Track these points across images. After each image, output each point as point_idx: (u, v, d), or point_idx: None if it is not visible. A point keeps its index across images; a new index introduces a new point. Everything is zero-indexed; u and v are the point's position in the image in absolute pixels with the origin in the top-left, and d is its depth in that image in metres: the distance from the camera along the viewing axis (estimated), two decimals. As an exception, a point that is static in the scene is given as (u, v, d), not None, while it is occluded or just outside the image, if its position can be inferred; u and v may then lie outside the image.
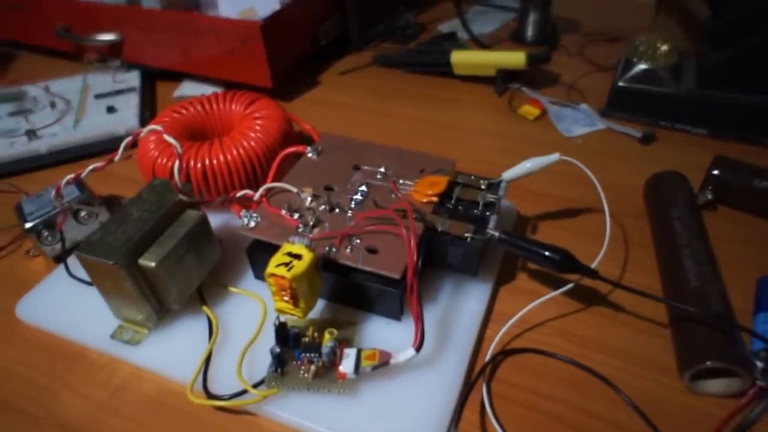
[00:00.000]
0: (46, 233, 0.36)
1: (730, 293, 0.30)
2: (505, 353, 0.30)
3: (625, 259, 0.35)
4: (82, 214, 0.37)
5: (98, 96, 0.55)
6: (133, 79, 0.57)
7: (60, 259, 0.37)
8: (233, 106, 0.42)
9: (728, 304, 0.29)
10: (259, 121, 0.39)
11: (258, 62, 0.50)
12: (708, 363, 0.25)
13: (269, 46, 0.50)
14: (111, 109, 0.52)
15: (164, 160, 0.37)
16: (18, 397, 0.30)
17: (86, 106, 0.53)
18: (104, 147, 0.49)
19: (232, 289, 0.33)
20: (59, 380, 0.30)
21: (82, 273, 0.34)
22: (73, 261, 0.36)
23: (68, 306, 0.33)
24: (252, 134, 0.38)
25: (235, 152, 0.37)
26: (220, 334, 0.31)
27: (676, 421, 0.26)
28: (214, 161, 0.36)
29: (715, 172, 0.37)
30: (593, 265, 0.30)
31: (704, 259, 0.31)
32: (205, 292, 0.33)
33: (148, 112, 0.54)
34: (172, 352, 0.30)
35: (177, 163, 0.29)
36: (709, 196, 0.37)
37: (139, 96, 0.54)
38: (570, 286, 0.31)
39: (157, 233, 0.30)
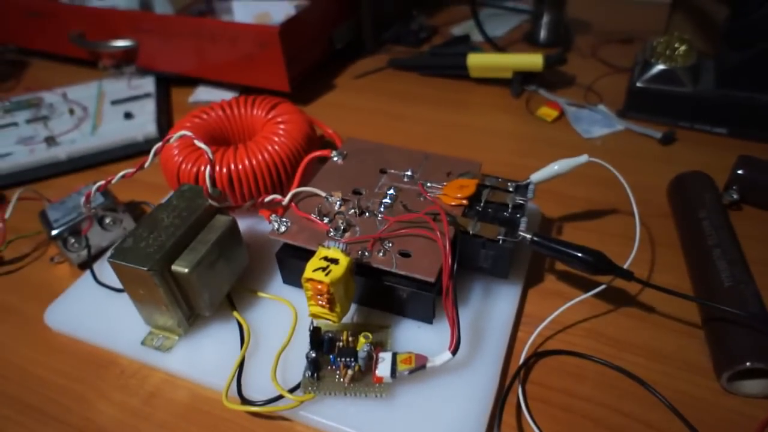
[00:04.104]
0: (72, 240, 0.36)
1: (762, 293, 0.30)
2: (537, 355, 0.30)
3: (653, 260, 0.35)
4: (107, 220, 0.37)
5: (114, 102, 0.55)
6: (148, 84, 0.57)
7: (85, 265, 0.37)
8: (255, 111, 0.42)
9: (763, 304, 0.29)
10: (282, 126, 0.39)
11: (276, 67, 0.51)
12: (748, 364, 0.25)
13: (287, 51, 0.50)
14: (128, 115, 0.52)
15: (188, 166, 0.37)
16: (53, 405, 0.29)
17: (103, 112, 0.53)
18: (123, 153, 0.49)
19: (261, 294, 0.33)
20: (92, 388, 0.30)
21: (108, 279, 0.34)
22: (99, 267, 0.36)
23: (97, 313, 0.33)
24: (276, 138, 0.38)
25: (260, 157, 0.37)
26: (251, 339, 0.31)
27: (716, 423, 0.26)
28: (240, 166, 0.36)
29: (740, 171, 0.37)
30: (625, 267, 0.30)
31: (736, 259, 0.31)
32: (235, 298, 0.33)
33: (164, 117, 0.54)
34: (203, 358, 0.30)
35: (208, 168, 0.29)
36: (735, 196, 0.37)
37: (155, 102, 0.54)
38: (602, 287, 0.31)
39: (188, 239, 0.30)
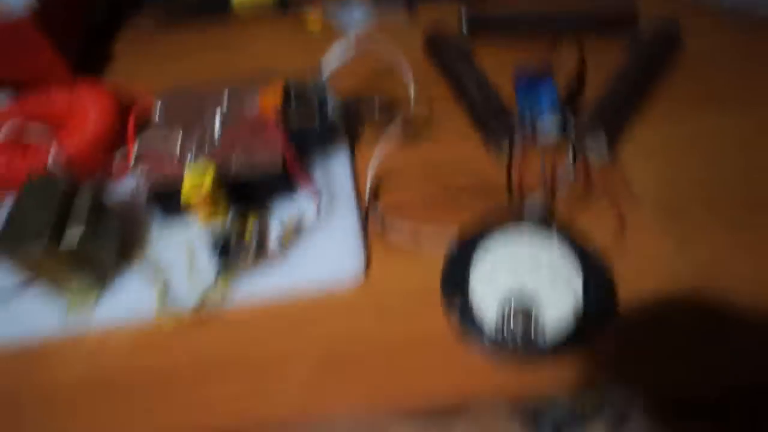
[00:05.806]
0: None
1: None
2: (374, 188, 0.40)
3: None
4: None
5: None
6: None
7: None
8: (55, 106, 0.43)
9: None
10: (89, 108, 0.42)
11: (42, 53, 0.48)
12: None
13: (51, 32, 0.47)
14: None
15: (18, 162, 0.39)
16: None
17: None
18: None
19: (152, 236, 0.38)
20: (34, 385, 0.32)
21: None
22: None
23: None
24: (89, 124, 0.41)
25: (83, 139, 0.40)
26: (162, 270, 0.36)
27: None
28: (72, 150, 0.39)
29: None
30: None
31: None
32: (130, 247, 0.37)
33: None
34: (127, 303, 0.34)
35: (52, 152, 0.32)
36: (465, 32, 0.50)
37: None
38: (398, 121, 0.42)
39: (62, 218, 0.32)
